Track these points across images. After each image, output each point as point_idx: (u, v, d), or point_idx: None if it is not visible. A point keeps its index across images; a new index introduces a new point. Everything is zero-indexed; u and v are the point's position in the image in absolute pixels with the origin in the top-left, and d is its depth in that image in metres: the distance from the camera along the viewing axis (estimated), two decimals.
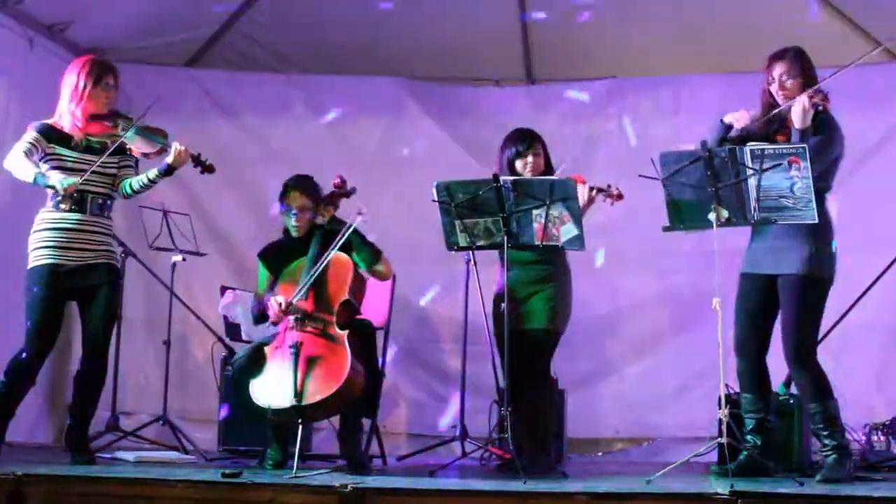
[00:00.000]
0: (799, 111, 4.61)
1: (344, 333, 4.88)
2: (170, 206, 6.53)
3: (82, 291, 5.06)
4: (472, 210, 4.92)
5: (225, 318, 6.31)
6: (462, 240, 5.00)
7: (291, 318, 4.96)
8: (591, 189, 5.15)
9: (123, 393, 6.45)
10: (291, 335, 4.89)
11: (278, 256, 5.34)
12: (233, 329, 6.28)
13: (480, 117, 7.17)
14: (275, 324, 5.06)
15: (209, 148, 7.13)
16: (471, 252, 5.29)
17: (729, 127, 4.86)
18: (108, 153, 5.00)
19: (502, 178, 4.92)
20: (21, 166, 4.84)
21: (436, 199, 4.96)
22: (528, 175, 5.19)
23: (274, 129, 7.31)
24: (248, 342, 5.94)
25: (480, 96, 7.37)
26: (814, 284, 4.73)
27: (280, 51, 7.29)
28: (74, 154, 5.01)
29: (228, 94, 7.34)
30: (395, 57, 7.19)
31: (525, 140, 5.31)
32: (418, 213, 5.97)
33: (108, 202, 5.12)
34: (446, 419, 6.76)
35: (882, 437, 5.83)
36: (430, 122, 7.28)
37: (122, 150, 5.11)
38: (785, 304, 4.77)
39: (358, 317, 5.18)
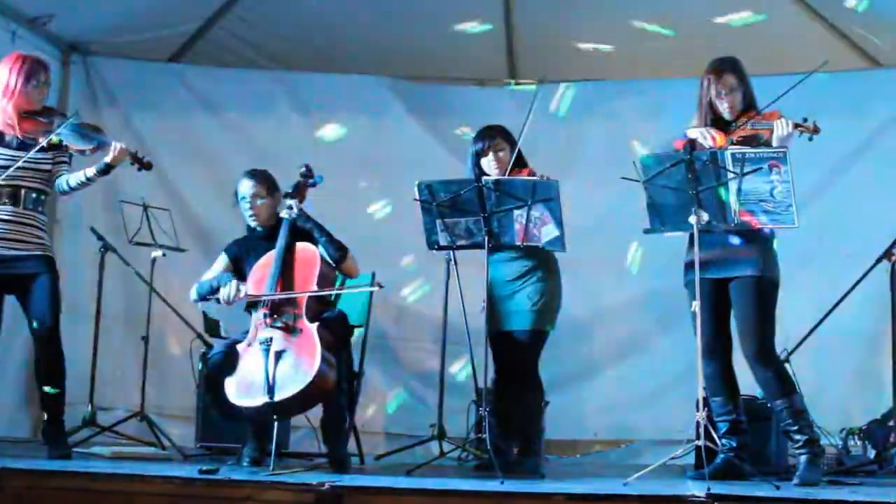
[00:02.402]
0: (783, 135, 4.61)
1: (313, 326, 4.84)
2: (150, 201, 6.51)
3: (18, 281, 5.01)
4: (454, 209, 4.92)
5: (204, 314, 6.29)
6: (443, 239, 5.00)
7: (261, 314, 4.92)
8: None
9: (101, 388, 6.41)
10: (262, 331, 4.86)
11: (245, 250, 5.30)
12: (212, 325, 6.26)
13: (463, 117, 7.14)
14: (222, 302, 5.06)
15: (191, 143, 7.21)
16: (451, 251, 5.28)
17: (692, 142, 4.81)
18: (36, 149, 4.96)
19: (483, 178, 4.92)
20: None
21: (417, 197, 4.95)
22: (494, 171, 5.13)
23: (257, 126, 7.28)
24: (227, 338, 5.92)
25: (463, 96, 7.36)
26: (769, 285, 4.76)
27: (264, 48, 7.25)
28: (5, 151, 4.98)
29: (212, 90, 7.30)
30: (379, 56, 7.17)
31: (486, 138, 5.23)
32: (400, 212, 5.95)
33: (42, 197, 5.09)
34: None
35: (858, 442, 5.86)
36: (414, 122, 7.27)
37: (57, 147, 5.06)
38: (742, 306, 4.78)
39: (330, 308, 5.14)
